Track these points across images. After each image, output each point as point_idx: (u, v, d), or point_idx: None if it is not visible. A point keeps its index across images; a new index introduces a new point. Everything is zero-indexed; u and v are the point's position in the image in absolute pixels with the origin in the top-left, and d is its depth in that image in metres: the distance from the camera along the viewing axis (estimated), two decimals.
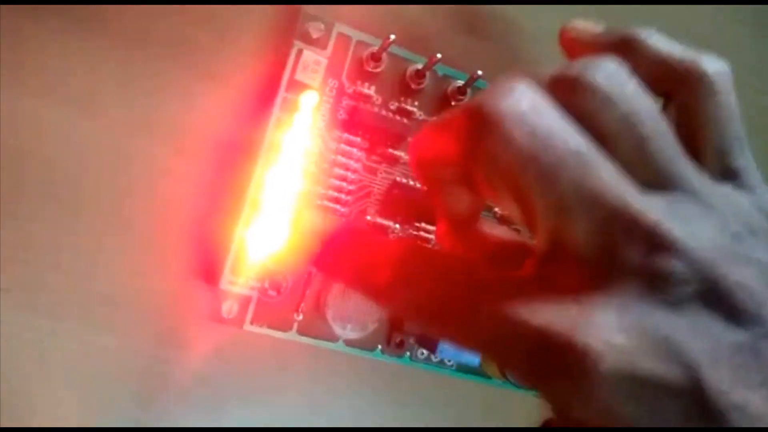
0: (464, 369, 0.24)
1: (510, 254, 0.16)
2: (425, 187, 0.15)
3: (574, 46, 0.18)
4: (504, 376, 0.23)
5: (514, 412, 0.28)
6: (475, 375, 0.24)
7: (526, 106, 0.11)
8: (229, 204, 0.21)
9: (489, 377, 0.24)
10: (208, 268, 0.22)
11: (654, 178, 0.12)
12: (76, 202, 0.21)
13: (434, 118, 0.15)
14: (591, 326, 0.10)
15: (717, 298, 0.11)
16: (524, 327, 0.11)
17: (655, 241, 0.11)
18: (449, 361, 0.24)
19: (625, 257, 0.11)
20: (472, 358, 0.22)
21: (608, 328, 0.10)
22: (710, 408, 0.10)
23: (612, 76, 0.12)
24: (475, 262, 0.14)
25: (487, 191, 0.13)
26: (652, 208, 0.11)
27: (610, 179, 0.11)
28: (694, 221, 0.11)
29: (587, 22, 0.18)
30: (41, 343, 0.21)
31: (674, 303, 0.11)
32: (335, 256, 0.15)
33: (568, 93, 0.12)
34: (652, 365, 0.10)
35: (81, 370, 0.21)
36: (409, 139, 0.23)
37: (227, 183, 0.22)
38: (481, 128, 0.12)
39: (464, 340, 0.12)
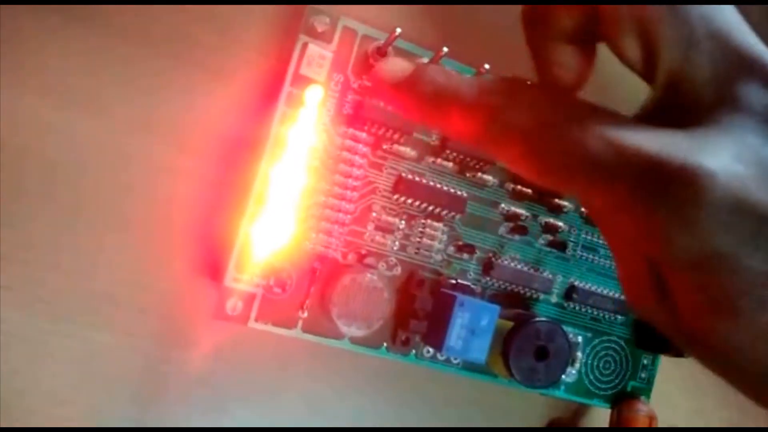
0: (470, 367, 0.24)
1: None
2: (531, 49, 0.15)
3: None
4: (510, 374, 0.23)
5: (520, 411, 0.27)
6: (480, 373, 0.24)
7: None
8: (234, 200, 0.21)
9: (495, 376, 0.24)
10: (213, 265, 0.22)
11: None
12: (77, 200, 0.21)
13: None
14: (706, 152, 0.10)
15: None
16: (636, 150, 0.11)
17: None
18: (455, 359, 0.24)
19: (744, 93, 0.11)
20: (479, 357, 0.22)
21: (723, 155, 0.10)
22: None
23: None
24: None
25: (612, 29, 0.13)
26: None
27: (738, 20, 0.12)
28: None
29: None
30: (42, 341, 0.21)
31: None
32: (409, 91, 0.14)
33: None
34: (764, 196, 0.10)
35: (82, 368, 0.21)
36: (415, 134, 0.23)
37: (232, 179, 0.22)
38: None
39: (565, 164, 0.12)
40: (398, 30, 0.21)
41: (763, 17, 0.31)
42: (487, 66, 0.22)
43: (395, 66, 0.15)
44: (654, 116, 0.12)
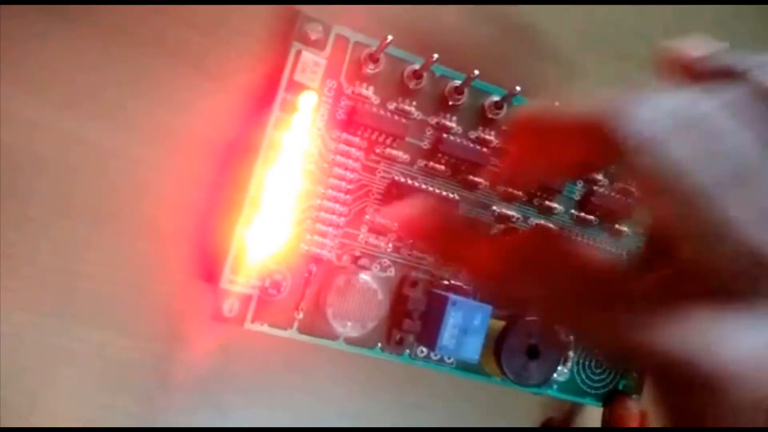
0: (463, 367, 0.24)
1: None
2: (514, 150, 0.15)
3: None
4: (503, 373, 0.23)
5: (514, 410, 0.28)
6: (474, 373, 0.24)
7: (667, 125, 0.11)
8: (230, 203, 0.22)
9: (488, 375, 0.25)
10: (209, 268, 0.22)
11: None
12: (75, 203, 0.21)
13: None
14: (725, 347, 0.10)
15: None
16: (654, 346, 0.11)
17: None
18: (449, 358, 0.24)
19: (762, 288, 0.11)
20: (472, 356, 0.22)
21: (742, 349, 0.10)
22: None
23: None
24: (601, 262, 0.13)
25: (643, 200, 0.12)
26: None
27: (749, 215, 0.11)
28: None
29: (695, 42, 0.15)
30: (42, 342, 0.21)
31: None
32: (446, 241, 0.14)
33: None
34: None
35: (82, 369, 0.22)
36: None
37: (228, 183, 0.22)
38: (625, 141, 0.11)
39: (594, 345, 0.12)
40: (389, 37, 0.22)
41: (760, 17, 0.32)
42: (476, 72, 0.23)
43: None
44: (676, 290, 0.12)
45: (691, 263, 0.11)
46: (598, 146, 0.12)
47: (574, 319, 0.12)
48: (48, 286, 0.21)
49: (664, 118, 0.11)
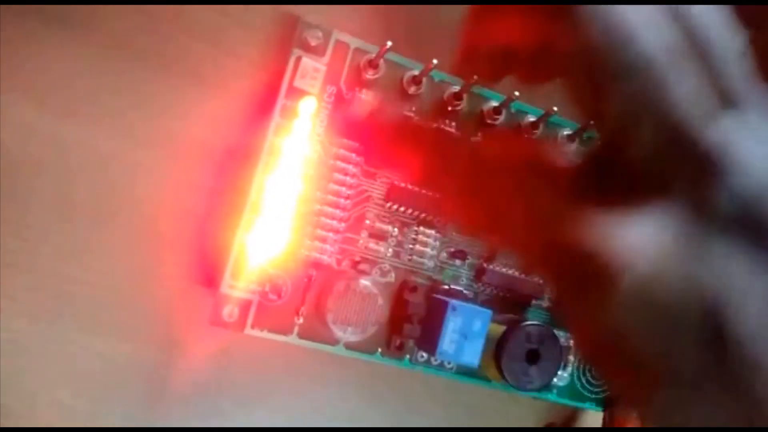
0: (463, 372, 0.24)
1: None
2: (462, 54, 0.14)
3: None
4: (503, 378, 0.23)
5: (513, 414, 0.28)
6: (474, 378, 0.24)
7: None
8: (230, 209, 0.22)
9: (488, 380, 0.25)
10: (209, 273, 0.22)
11: (734, 97, 0.11)
12: (75, 208, 0.22)
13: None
14: (624, 238, 0.10)
15: (761, 238, 0.10)
16: (564, 240, 0.11)
17: (708, 169, 0.10)
18: (449, 363, 0.24)
19: (675, 177, 0.11)
20: (472, 361, 0.23)
21: (641, 243, 0.10)
22: (724, 355, 0.10)
23: None
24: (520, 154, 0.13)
25: (565, 65, 0.12)
26: (716, 132, 0.10)
27: (687, 93, 0.10)
28: (759, 148, 0.11)
29: None
30: (43, 348, 0.21)
31: (713, 235, 0.10)
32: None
33: None
34: (675, 290, 0.10)
35: (82, 375, 0.22)
36: None
37: (228, 188, 0.22)
38: (568, 11, 0.11)
39: (516, 249, 0.12)
40: (389, 43, 0.22)
41: None
42: (476, 77, 0.23)
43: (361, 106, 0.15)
44: (596, 175, 0.12)
45: (609, 148, 0.11)
46: (549, 14, 0.12)
47: (493, 217, 0.12)
48: (48, 292, 0.21)
49: None
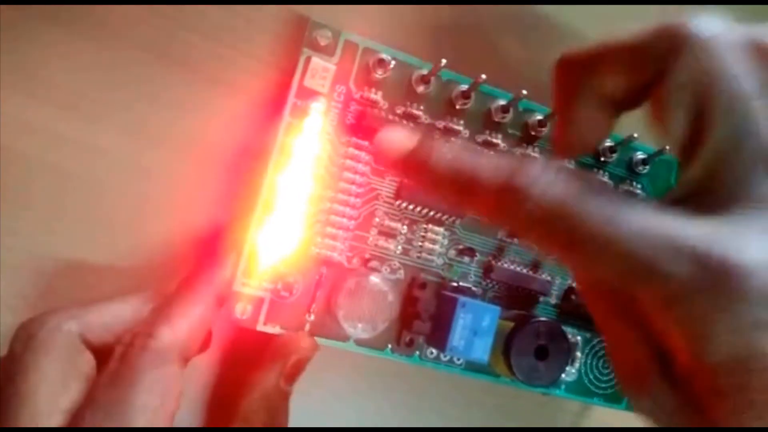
0: (473, 368, 0.24)
1: None
2: (558, 104, 0.15)
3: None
4: (512, 373, 0.23)
5: (523, 411, 0.28)
6: (483, 373, 0.25)
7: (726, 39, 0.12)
8: (242, 207, 0.22)
9: (498, 376, 0.25)
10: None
11: None
12: (84, 209, 0.22)
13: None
14: (743, 244, 0.10)
15: None
16: (673, 242, 0.11)
17: None
18: (458, 359, 0.24)
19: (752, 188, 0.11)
20: (481, 357, 0.23)
21: (762, 248, 0.10)
22: None
23: None
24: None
25: (658, 108, 0.13)
26: None
27: None
28: None
29: None
30: None
31: None
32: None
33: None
34: None
35: None
36: None
37: (240, 187, 0.23)
38: (686, 45, 0.12)
39: (604, 260, 0.11)
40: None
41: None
42: (483, 76, 0.23)
43: (395, 137, 0.14)
44: (689, 199, 0.12)
45: (711, 167, 0.12)
46: (650, 56, 0.12)
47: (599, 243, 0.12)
48: (52, 294, 0.21)
49: (725, 25, 0.12)
